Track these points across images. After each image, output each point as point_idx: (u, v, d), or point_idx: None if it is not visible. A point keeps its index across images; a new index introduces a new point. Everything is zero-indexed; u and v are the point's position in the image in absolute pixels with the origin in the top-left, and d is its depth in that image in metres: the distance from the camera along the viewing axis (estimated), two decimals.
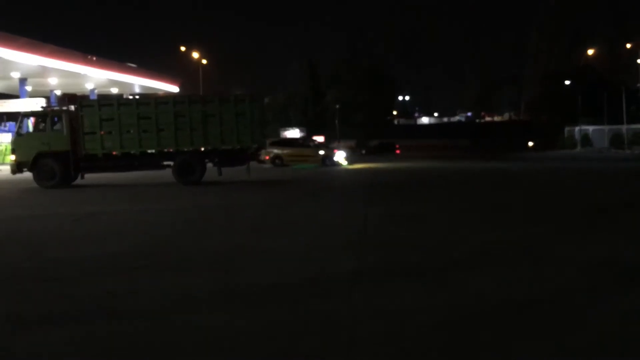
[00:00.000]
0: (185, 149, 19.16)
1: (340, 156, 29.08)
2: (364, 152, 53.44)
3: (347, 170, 26.07)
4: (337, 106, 52.92)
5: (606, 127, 42.90)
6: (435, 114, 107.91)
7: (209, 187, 17.90)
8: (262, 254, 7.42)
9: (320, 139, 53.99)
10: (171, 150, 19.23)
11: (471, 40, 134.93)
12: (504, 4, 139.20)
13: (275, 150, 28.68)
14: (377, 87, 55.52)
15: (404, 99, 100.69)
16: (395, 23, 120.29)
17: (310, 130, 53.01)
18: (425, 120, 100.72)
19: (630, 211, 11.10)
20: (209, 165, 19.61)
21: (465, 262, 6.74)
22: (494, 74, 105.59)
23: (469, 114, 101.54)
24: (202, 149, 19.30)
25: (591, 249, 7.23)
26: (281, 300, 5.30)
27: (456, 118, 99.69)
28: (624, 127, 40.21)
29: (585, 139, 45.32)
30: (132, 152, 19.23)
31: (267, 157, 28.18)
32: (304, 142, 30.36)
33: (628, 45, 53.69)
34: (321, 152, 29.05)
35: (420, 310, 4.90)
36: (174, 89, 41.77)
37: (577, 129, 46.84)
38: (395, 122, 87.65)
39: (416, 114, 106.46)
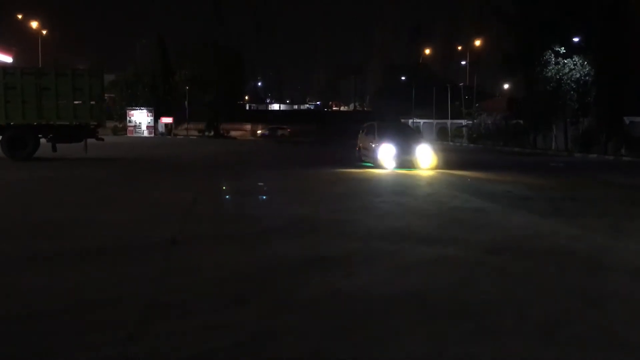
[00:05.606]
0: (16, 123, 18.49)
1: (385, 153, 18.03)
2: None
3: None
4: (187, 87, 52.21)
5: (434, 121, 47.48)
6: (287, 101, 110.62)
7: (41, 162, 17.49)
8: (90, 224, 7.93)
9: (168, 120, 53.00)
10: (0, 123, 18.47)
11: (322, 29, 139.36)
12: None
13: (360, 140, 21.28)
14: (227, 66, 55.05)
15: (256, 85, 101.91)
16: (251, 8, 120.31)
17: (159, 110, 51.80)
18: (276, 106, 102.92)
19: None
20: (43, 140, 19.07)
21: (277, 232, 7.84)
22: (342, 64, 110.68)
23: (318, 102, 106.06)
24: (35, 123, 18.73)
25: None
26: (101, 262, 5.95)
27: (305, 106, 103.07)
28: (448, 122, 44.79)
29: (417, 130, 49.71)
30: None
31: (357, 149, 21.35)
32: None
33: (459, 48, 59.64)
34: None
35: (220, 266, 5.87)
36: (7, 59, 38.80)
37: (410, 121, 51.14)
38: (247, 106, 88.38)
39: (268, 100, 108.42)
